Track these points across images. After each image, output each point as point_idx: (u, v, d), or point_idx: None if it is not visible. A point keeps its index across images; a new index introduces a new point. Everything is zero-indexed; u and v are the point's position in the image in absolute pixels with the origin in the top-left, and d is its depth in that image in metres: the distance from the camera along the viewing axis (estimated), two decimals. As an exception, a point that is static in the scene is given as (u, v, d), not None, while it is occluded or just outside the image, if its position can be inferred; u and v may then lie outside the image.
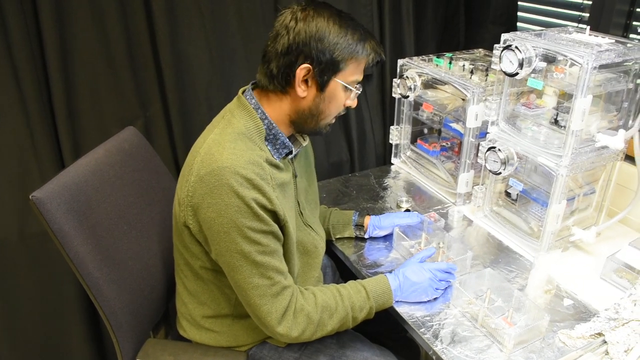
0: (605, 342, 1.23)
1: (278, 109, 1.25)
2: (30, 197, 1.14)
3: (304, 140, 1.37)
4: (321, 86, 1.21)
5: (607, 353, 1.21)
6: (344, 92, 1.25)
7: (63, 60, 1.55)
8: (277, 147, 1.26)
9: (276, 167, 1.24)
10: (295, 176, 1.36)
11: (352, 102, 1.31)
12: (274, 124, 1.24)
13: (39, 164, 1.61)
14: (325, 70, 1.19)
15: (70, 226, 1.19)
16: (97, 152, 1.38)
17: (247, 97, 1.26)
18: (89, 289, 1.22)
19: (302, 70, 1.18)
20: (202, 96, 1.79)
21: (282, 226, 1.23)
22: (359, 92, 1.30)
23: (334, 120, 1.32)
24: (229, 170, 1.12)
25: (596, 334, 1.25)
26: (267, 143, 1.25)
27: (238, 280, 1.18)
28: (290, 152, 1.29)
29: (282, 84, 1.21)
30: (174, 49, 1.68)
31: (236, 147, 1.16)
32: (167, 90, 1.72)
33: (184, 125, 1.78)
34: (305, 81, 1.20)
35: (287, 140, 1.27)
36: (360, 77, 1.27)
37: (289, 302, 1.21)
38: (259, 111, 1.24)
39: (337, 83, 1.22)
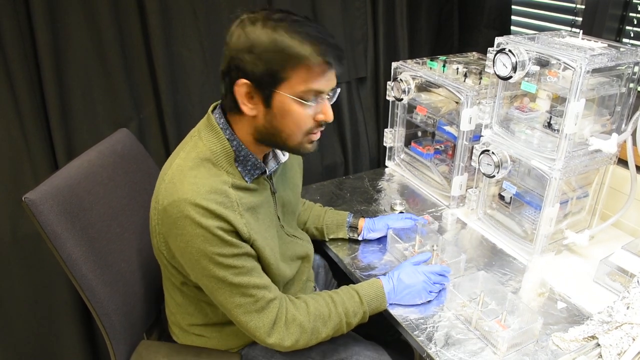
0: (599, 345, 1.23)
1: (241, 129, 1.18)
2: (23, 198, 1.13)
3: (284, 155, 1.31)
4: (266, 101, 1.11)
5: (600, 356, 1.21)
6: (300, 105, 1.11)
7: (56, 61, 1.55)
8: (249, 168, 1.19)
9: (246, 189, 1.19)
10: (274, 193, 1.32)
11: (325, 116, 1.16)
12: (242, 145, 1.17)
13: (32, 165, 1.60)
14: (264, 83, 1.08)
15: (63, 228, 1.18)
16: (89, 154, 1.37)
17: (216, 115, 1.19)
18: (82, 291, 1.22)
19: (240, 87, 1.10)
20: (195, 98, 1.79)
21: (251, 245, 1.18)
22: (324, 102, 1.15)
23: (314, 137, 1.19)
24: (188, 202, 1.07)
25: (589, 337, 1.26)
26: (237, 165, 1.18)
27: (221, 301, 1.17)
28: (264, 172, 1.23)
29: (232, 104, 1.14)
30: (167, 50, 1.68)
31: (197, 176, 1.11)
32: (161, 92, 1.72)
33: (177, 127, 1.78)
34: (252, 98, 1.12)
35: (259, 160, 1.20)
36: (319, 86, 1.11)
37: (277, 313, 1.19)
38: (227, 132, 1.17)
39: (283, 96, 1.10)
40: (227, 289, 1.15)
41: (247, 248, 1.16)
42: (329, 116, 1.16)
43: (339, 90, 1.21)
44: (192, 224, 1.08)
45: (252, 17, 1.09)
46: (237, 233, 1.13)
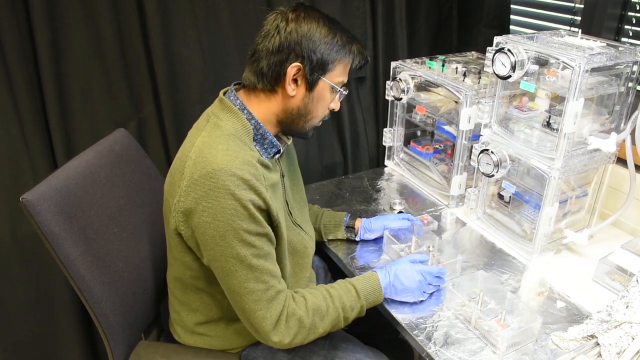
0: (598, 344, 1.23)
1: (265, 109, 1.25)
2: (20, 199, 1.13)
3: (288, 139, 1.36)
4: (310, 85, 1.22)
5: (599, 355, 1.21)
6: (330, 93, 1.27)
7: (55, 61, 1.55)
8: (266, 146, 1.26)
9: (266, 167, 1.24)
10: (282, 176, 1.36)
11: (336, 105, 1.32)
12: (261, 124, 1.24)
13: (31, 165, 1.60)
14: (315, 69, 1.20)
15: (60, 228, 1.18)
16: (87, 154, 1.37)
17: (231, 98, 1.25)
18: (80, 291, 1.22)
19: (292, 68, 1.19)
20: (195, 98, 1.78)
21: (275, 227, 1.22)
22: (345, 94, 1.31)
23: (320, 124, 1.33)
24: (225, 172, 1.10)
25: (589, 336, 1.26)
26: (255, 143, 1.24)
27: (232, 286, 1.17)
28: (279, 152, 1.29)
29: (272, 82, 1.21)
30: (167, 50, 1.68)
31: (229, 148, 1.15)
32: (160, 91, 1.72)
33: (177, 127, 1.78)
34: (295, 80, 1.21)
35: (275, 139, 1.27)
36: (345, 79, 1.29)
37: (283, 306, 1.19)
38: (245, 111, 1.23)
39: (325, 83, 1.24)
40: (243, 272, 1.15)
41: (269, 230, 1.19)
42: (339, 106, 1.34)
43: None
44: (225, 195, 1.10)
45: (305, 10, 1.21)
46: (264, 211, 1.17)
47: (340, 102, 1.34)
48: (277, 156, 1.31)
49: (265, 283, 1.17)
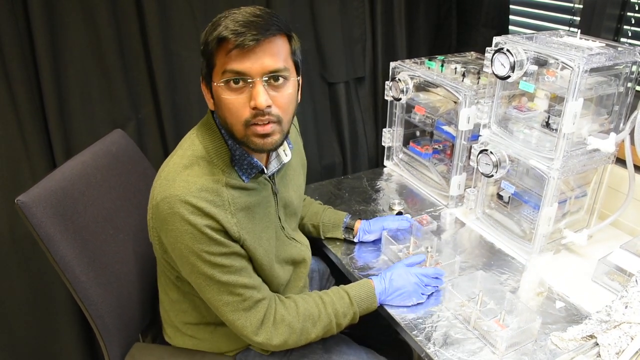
0: (597, 344, 1.23)
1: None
2: (15, 200, 1.13)
3: (286, 155, 1.30)
4: (212, 94, 1.14)
5: (598, 355, 1.20)
6: (226, 91, 1.08)
7: (54, 61, 1.54)
8: (245, 167, 1.19)
9: (242, 189, 1.18)
10: (275, 193, 1.31)
11: (254, 102, 1.06)
12: (237, 145, 1.17)
13: (30, 165, 1.60)
14: (206, 76, 1.13)
15: (56, 230, 1.18)
16: (83, 155, 1.37)
17: (214, 114, 1.20)
18: (76, 293, 1.21)
19: (202, 85, 1.17)
20: (194, 98, 1.78)
21: (241, 245, 1.18)
22: (254, 87, 1.07)
23: (259, 129, 1.09)
24: (178, 199, 1.08)
25: (588, 336, 1.25)
26: (234, 164, 1.18)
27: (209, 299, 1.18)
28: (263, 172, 1.23)
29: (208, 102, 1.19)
30: (166, 50, 1.68)
31: (190, 174, 1.12)
32: (159, 92, 1.71)
33: (175, 127, 1.77)
34: (207, 93, 1.16)
35: (254, 160, 1.19)
36: (238, 67, 1.05)
37: (265, 313, 1.19)
38: (223, 131, 1.18)
39: (215, 85, 1.10)
40: (215, 287, 1.15)
41: (237, 248, 1.16)
42: (257, 101, 1.06)
43: (284, 75, 1.10)
44: (181, 221, 1.09)
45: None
46: (226, 232, 1.14)
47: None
48: (265, 175, 1.25)
49: (240, 295, 1.17)
